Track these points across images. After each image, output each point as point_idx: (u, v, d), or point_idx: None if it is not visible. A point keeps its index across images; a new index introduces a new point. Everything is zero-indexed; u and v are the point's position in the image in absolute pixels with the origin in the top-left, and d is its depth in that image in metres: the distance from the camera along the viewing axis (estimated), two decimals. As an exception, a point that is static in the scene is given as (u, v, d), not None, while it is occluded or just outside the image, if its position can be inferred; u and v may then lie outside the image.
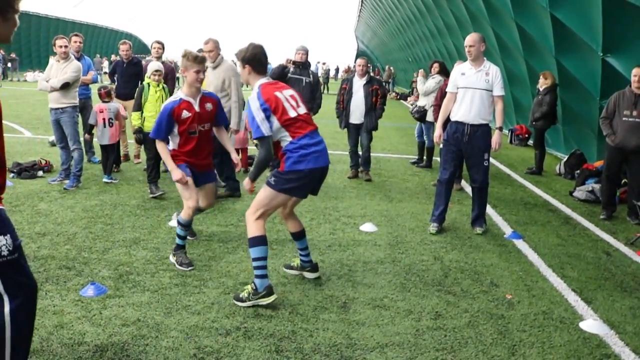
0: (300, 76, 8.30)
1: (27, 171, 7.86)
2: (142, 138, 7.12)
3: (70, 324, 3.68)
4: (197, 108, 4.75)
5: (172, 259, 4.84)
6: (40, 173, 7.96)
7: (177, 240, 4.82)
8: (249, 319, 3.88)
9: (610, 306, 4.41)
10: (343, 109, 8.73)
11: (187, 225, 4.80)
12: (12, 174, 7.71)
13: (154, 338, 3.55)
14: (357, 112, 8.63)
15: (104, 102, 7.93)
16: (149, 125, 6.97)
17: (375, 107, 8.60)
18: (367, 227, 6.12)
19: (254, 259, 4.08)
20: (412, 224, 6.43)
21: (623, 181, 7.75)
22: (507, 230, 6.32)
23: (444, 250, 5.57)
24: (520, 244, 5.88)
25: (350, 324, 3.88)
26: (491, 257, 5.42)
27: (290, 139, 4.09)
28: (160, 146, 4.77)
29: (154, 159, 7.10)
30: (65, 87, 7.14)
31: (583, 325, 4.02)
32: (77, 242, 5.30)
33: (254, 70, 4.24)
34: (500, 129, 6.14)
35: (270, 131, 4.03)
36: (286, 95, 4.21)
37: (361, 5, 47.40)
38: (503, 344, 3.70)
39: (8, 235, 2.37)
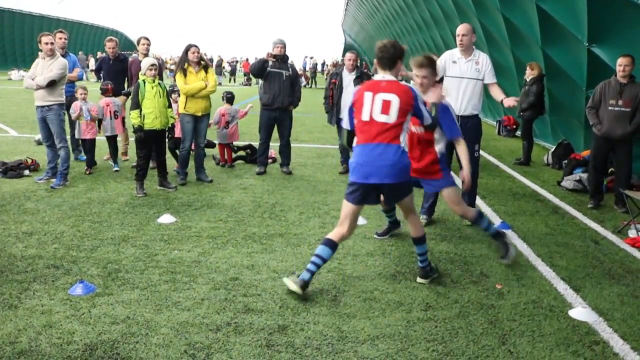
0: (280, 70, 8.24)
1: (13, 170, 7.78)
2: (143, 136, 6.98)
3: (59, 323, 3.65)
4: None
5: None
6: (26, 172, 7.89)
7: None
8: (240, 314, 3.87)
9: (598, 294, 4.45)
10: (333, 104, 8.59)
11: None
12: (-3, 174, 7.64)
13: (144, 335, 3.53)
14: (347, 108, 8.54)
15: (108, 96, 8.49)
16: (149, 123, 6.93)
17: None
18: (357, 220, 6.11)
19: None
20: (402, 216, 6.43)
21: (610, 170, 7.81)
22: (496, 220, 6.35)
23: (433, 241, 5.58)
24: (509, 234, 5.90)
25: (341, 316, 3.89)
26: (481, 248, 5.44)
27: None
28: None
29: (145, 159, 7.06)
30: (52, 84, 7.06)
31: (572, 313, 4.05)
32: (65, 240, 5.25)
33: None
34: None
35: None
36: None
37: (348, -2, 47.29)
38: (493, 334, 3.72)
39: None
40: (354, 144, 4.32)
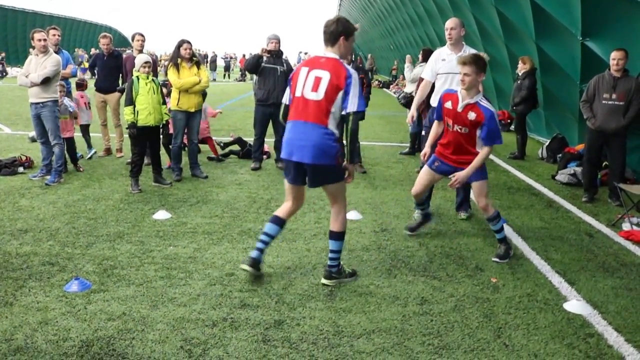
0: (275, 65, 8.22)
1: (8, 167, 7.75)
2: (136, 133, 6.95)
3: (55, 320, 3.65)
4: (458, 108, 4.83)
5: None
6: (20, 169, 7.86)
7: None
8: (236, 309, 3.87)
9: (593, 287, 4.47)
10: None
11: None
12: (-9, 171, 7.61)
13: (140, 331, 3.53)
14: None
15: (82, 91, 9.16)
16: (143, 119, 6.91)
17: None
18: (352, 215, 6.12)
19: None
20: (397, 210, 6.45)
21: (604, 164, 7.84)
22: (491, 214, 6.36)
23: (429, 236, 5.60)
24: (504, 228, 5.92)
25: (337, 311, 3.89)
26: (476, 242, 5.46)
27: None
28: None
29: (140, 155, 7.04)
30: (46, 81, 7.03)
31: (567, 306, 4.07)
32: (60, 237, 5.24)
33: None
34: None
35: None
36: None
37: (342, -7, 47.20)
38: (489, 327, 3.74)
39: None
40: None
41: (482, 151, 4.78)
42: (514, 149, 10.44)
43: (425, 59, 9.64)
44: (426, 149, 5.28)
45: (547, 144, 10.28)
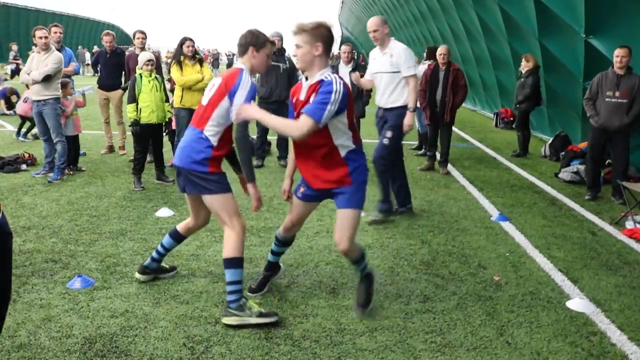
0: (277, 63, 8.21)
1: (11, 165, 7.76)
2: (139, 130, 6.94)
3: (58, 317, 3.66)
4: None
5: None
6: (23, 166, 7.88)
7: None
8: (238, 307, 3.87)
9: (596, 285, 4.47)
10: None
11: None
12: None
13: (143, 329, 3.54)
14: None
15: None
16: (145, 116, 6.91)
17: (361, 94, 8.52)
18: (355, 213, 6.11)
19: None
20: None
21: (607, 162, 7.82)
22: (494, 212, 6.36)
23: (431, 234, 5.59)
24: (507, 226, 5.92)
25: (340, 309, 3.89)
26: (478, 240, 5.45)
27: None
28: None
29: (142, 153, 7.04)
30: (47, 79, 7.04)
31: (570, 304, 4.06)
32: (62, 234, 5.25)
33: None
34: (413, 109, 5.79)
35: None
36: None
37: (345, -9, 47.15)
38: (491, 325, 3.73)
39: None
40: None
41: (299, 120, 3.43)
42: (517, 147, 10.42)
43: (430, 56, 9.63)
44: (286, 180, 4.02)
45: (550, 141, 10.25)
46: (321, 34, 3.43)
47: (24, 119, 10.39)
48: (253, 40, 3.73)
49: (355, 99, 8.44)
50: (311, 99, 3.42)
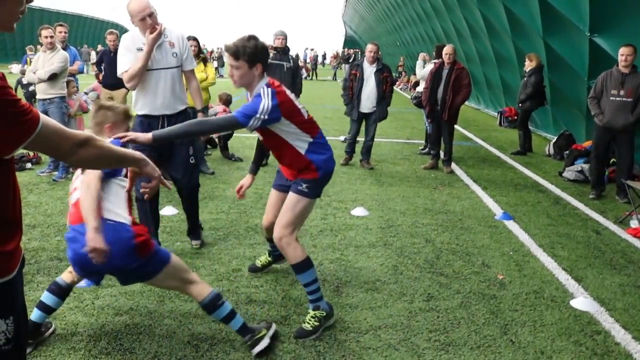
0: (281, 62, 8.19)
1: (16, 163, 7.75)
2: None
3: (63, 314, 3.67)
4: None
5: None
6: (28, 165, 7.90)
7: None
8: (242, 305, 3.88)
9: (600, 284, 4.46)
10: (352, 96, 8.39)
11: None
12: None
13: (148, 326, 3.55)
14: (368, 102, 8.33)
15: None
16: None
17: (385, 95, 8.42)
18: (359, 211, 6.13)
19: (308, 284, 3.60)
20: (403, 207, 6.45)
21: (611, 160, 7.80)
22: (498, 211, 6.35)
23: (435, 232, 5.59)
24: (510, 224, 5.91)
25: (344, 307, 3.90)
26: (482, 239, 5.45)
27: (310, 138, 3.63)
28: None
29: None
30: (53, 77, 7.06)
31: (574, 303, 4.06)
32: (67, 233, 5.26)
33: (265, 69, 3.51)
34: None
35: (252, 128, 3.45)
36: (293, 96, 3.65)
37: (349, -10, 47.11)
38: (495, 324, 3.73)
39: (11, 317, 1.79)
40: None
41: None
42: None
43: (439, 55, 9.60)
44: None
45: (554, 140, 10.24)
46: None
47: None
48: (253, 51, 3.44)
49: (380, 102, 8.37)
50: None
